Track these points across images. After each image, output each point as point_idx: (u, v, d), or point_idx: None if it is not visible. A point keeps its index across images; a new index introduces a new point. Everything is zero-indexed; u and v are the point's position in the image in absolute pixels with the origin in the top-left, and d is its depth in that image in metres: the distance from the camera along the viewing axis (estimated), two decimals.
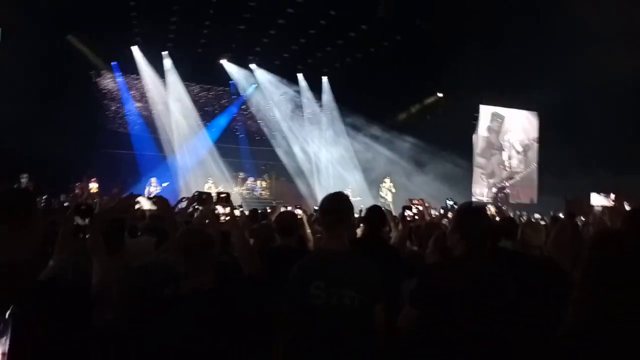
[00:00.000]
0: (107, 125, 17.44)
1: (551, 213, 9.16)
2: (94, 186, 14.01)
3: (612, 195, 4.09)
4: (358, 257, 2.71)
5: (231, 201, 3.07)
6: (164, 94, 17.75)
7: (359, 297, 2.54)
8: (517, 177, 21.12)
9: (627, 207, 4.28)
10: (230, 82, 18.87)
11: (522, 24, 15.08)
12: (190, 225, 2.94)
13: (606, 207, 3.83)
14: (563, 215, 3.89)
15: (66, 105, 13.44)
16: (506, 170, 21.14)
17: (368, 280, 2.59)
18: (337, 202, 2.79)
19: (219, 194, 3.07)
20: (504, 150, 21.27)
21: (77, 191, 14.12)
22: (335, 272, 2.59)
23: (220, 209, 2.95)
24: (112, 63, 17.07)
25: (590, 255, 1.72)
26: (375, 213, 4.14)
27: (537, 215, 10.61)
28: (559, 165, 18.68)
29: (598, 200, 3.99)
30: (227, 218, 2.91)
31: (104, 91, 17.56)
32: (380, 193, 17.76)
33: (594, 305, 1.62)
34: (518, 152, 21.40)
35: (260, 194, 18.88)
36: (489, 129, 21.00)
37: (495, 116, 21.04)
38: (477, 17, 15.15)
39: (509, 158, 21.28)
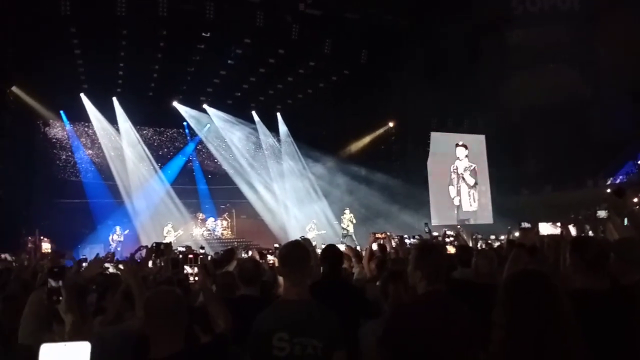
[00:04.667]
0: (58, 174, 17.00)
1: (507, 236, 9.54)
2: (46, 246, 13.36)
3: (559, 224, 4.34)
4: (317, 305, 2.77)
5: (201, 261, 3.10)
6: (116, 139, 17.49)
7: (321, 345, 2.59)
8: (470, 218, 21.11)
9: (573, 232, 4.53)
10: (184, 123, 18.82)
11: (463, 49, 15.90)
12: (159, 286, 2.93)
13: (551, 236, 4.07)
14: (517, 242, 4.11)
15: (9, 156, 13.12)
16: (459, 208, 21.35)
17: (329, 327, 2.65)
18: (294, 250, 2.85)
19: (185, 254, 3.11)
20: (451, 185, 21.46)
21: (29, 245, 13.51)
22: (297, 321, 2.63)
23: (188, 269, 2.98)
24: (60, 111, 16.75)
25: (502, 298, 1.86)
26: (332, 252, 4.06)
27: (492, 237, 11.01)
28: (509, 185, 19.43)
29: (546, 229, 4.23)
30: (196, 278, 2.92)
31: (53, 140, 17.17)
32: (342, 225, 17.90)
33: (509, 345, 1.75)
34: (469, 186, 21.57)
35: (222, 234, 18.66)
36: (441, 156, 21.43)
37: (445, 142, 21.58)
38: (418, 48, 15.84)
39: (458, 194, 21.39)
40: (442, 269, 2.72)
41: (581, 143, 18.53)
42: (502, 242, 9.30)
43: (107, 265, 4.02)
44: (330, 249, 4.16)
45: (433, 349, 2.49)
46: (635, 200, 13.27)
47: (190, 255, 3.11)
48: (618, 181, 18.57)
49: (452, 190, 21.42)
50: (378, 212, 18.33)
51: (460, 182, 21.55)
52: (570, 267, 2.77)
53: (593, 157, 18.69)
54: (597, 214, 4.61)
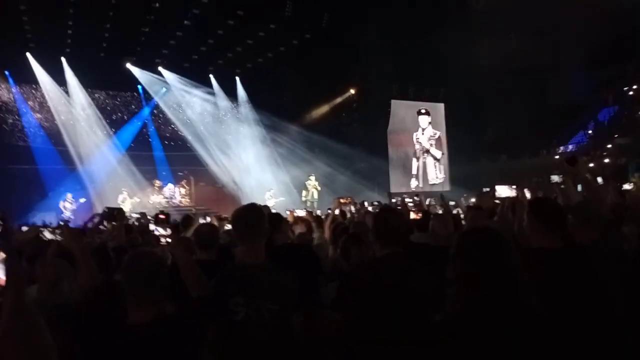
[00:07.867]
0: (5, 139, 16.14)
1: (463, 201, 9.71)
2: None
3: (514, 187, 4.44)
4: (272, 267, 2.72)
5: (171, 222, 2.98)
6: (66, 102, 16.67)
7: (276, 307, 2.55)
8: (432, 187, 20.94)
9: (528, 195, 4.63)
10: (139, 86, 18.09)
11: (423, 16, 15.80)
12: (137, 248, 2.79)
13: (509, 198, 4.13)
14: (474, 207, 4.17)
15: None
16: (424, 182, 21.53)
17: (284, 289, 2.61)
18: (247, 214, 2.78)
19: (157, 214, 2.97)
20: (415, 157, 21.62)
21: None
22: (252, 285, 2.58)
23: (160, 231, 2.85)
24: (5, 72, 15.78)
25: (452, 254, 1.85)
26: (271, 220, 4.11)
27: (451, 203, 11.21)
28: (466, 153, 19.80)
29: (503, 191, 4.32)
30: (169, 240, 2.83)
31: None
32: (305, 191, 17.83)
33: (463, 299, 1.75)
34: (435, 159, 21.70)
35: (180, 201, 18.30)
36: (401, 124, 21.46)
37: (406, 110, 21.64)
38: (381, 13, 15.66)
39: (423, 168, 21.53)
40: (397, 232, 2.73)
41: (537, 112, 18.98)
42: (461, 207, 9.42)
43: (42, 229, 3.82)
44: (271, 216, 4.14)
45: (385, 309, 2.49)
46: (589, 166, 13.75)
47: (162, 216, 2.96)
48: (569, 150, 19.22)
49: (415, 165, 21.51)
50: (339, 180, 18.37)
51: (425, 155, 21.70)
52: (528, 227, 2.82)
53: (548, 126, 19.22)
54: (551, 179, 4.73)
